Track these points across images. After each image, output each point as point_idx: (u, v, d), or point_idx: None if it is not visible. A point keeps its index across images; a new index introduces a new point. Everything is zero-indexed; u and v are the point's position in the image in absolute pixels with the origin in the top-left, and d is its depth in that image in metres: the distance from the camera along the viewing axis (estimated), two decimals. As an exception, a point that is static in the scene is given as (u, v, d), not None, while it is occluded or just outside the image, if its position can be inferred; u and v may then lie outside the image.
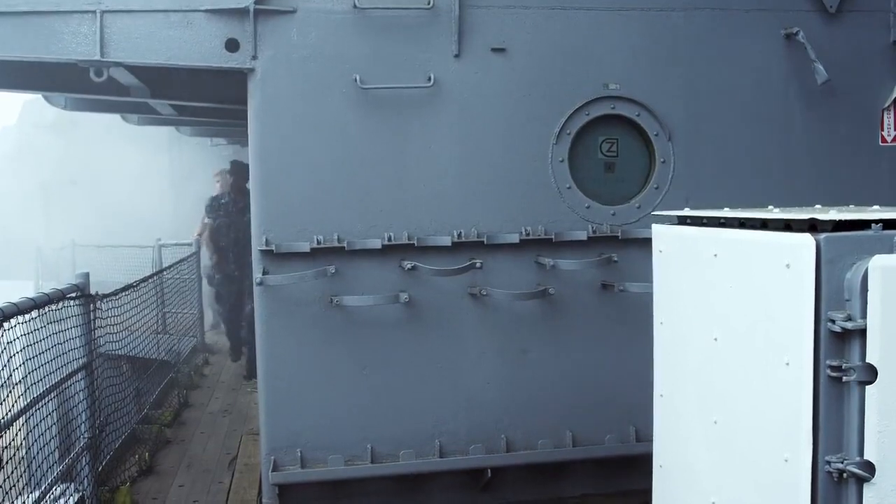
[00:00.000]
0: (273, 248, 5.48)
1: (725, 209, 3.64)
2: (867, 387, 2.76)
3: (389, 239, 5.60)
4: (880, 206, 3.97)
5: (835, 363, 2.79)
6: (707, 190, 5.97)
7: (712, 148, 6.05)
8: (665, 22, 5.94)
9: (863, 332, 2.74)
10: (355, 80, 5.51)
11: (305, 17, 5.50)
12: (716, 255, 3.42)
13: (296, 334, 5.55)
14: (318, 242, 5.52)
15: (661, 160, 5.96)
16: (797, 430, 2.89)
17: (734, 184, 5.99)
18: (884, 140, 6.33)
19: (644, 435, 5.66)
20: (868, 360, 2.74)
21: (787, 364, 2.92)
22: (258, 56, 5.45)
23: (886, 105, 6.30)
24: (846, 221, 2.86)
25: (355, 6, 5.50)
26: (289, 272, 5.48)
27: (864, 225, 2.87)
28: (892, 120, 6.35)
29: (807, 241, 2.82)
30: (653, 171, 5.98)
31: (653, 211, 5.84)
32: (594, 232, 5.84)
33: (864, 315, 2.74)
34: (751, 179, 6.05)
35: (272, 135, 5.48)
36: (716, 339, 3.42)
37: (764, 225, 3.18)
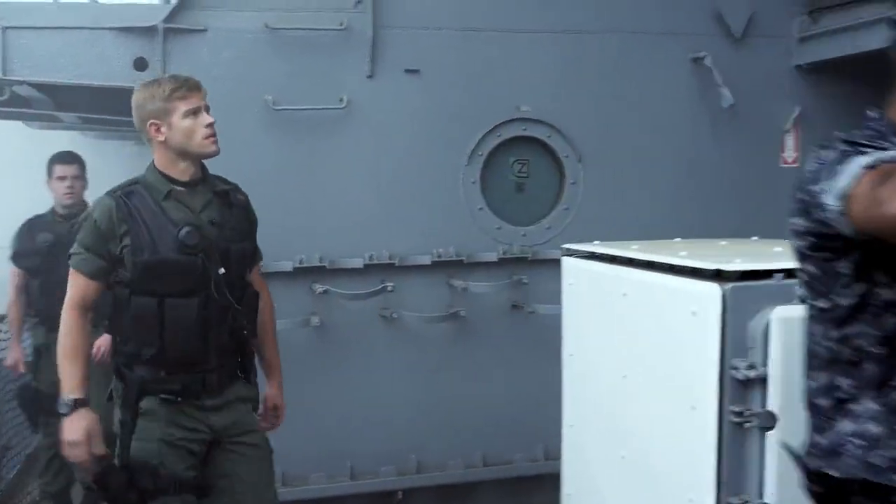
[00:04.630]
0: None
1: (634, 246, 3.71)
2: (767, 432, 2.86)
3: (301, 262, 5.56)
4: (782, 238, 4.09)
5: (737, 409, 2.88)
6: (617, 211, 6.07)
7: (622, 169, 6.14)
8: (577, 44, 6.01)
9: (764, 380, 2.84)
10: (268, 100, 5.46)
11: (216, 36, 5.42)
12: (625, 295, 3.50)
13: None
14: (228, 266, 5.46)
15: (572, 181, 6.04)
16: (701, 472, 2.98)
17: (643, 204, 6.10)
18: (785, 161, 6.51)
19: (552, 453, 5.72)
20: (769, 406, 2.83)
21: (693, 408, 3.01)
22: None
23: (787, 128, 6.49)
24: (752, 271, 2.95)
25: (267, 26, 5.45)
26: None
27: (768, 273, 2.97)
28: (792, 142, 6.54)
29: (713, 290, 2.91)
30: (563, 192, 6.06)
31: (562, 231, 5.94)
32: (504, 253, 5.89)
33: (765, 363, 2.83)
34: (660, 200, 6.16)
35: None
36: (624, 377, 3.49)
37: (672, 268, 3.26)
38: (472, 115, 5.84)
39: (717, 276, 2.98)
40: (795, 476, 2.41)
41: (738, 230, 4.57)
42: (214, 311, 3.63)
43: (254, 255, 3.96)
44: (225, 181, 3.94)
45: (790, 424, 2.80)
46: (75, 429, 3.49)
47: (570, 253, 4.02)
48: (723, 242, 3.89)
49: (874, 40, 5.86)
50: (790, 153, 6.55)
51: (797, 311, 2.81)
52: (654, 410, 3.31)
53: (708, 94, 6.23)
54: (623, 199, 6.11)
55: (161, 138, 3.67)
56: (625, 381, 3.49)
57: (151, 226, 3.58)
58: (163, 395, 3.59)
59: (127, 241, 3.55)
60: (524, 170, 6.06)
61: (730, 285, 2.88)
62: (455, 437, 5.91)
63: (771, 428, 2.83)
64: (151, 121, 3.66)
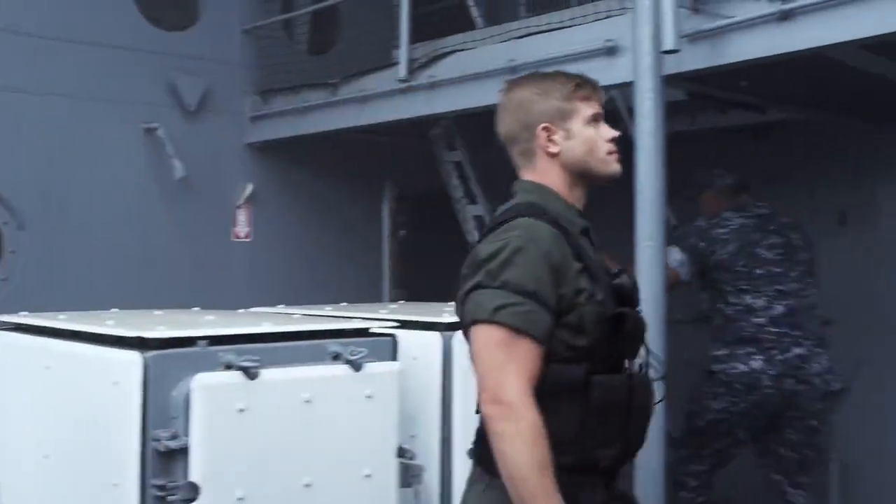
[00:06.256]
0: None
1: (62, 316, 3.50)
2: (190, 504, 2.79)
3: None
4: (217, 307, 4.12)
5: (160, 483, 2.78)
6: (63, 281, 5.74)
7: (70, 239, 5.85)
8: (18, 105, 5.65)
9: (186, 450, 2.77)
10: None
11: None
12: (48, 367, 3.27)
13: None
14: None
15: (11, 250, 5.63)
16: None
17: (92, 275, 5.84)
18: (237, 236, 6.63)
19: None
20: (191, 477, 2.77)
21: (116, 485, 2.86)
22: None
23: (239, 203, 6.62)
24: (176, 338, 2.89)
25: None
26: None
27: (192, 340, 2.92)
28: (244, 217, 6.69)
29: (134, 358, 2.80)
30: (1, 262, 5.62)
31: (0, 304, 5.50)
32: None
33: (187, 433, 2.77)
34: (109, 270, 5.94)
35: None
36: (46, 457, 3.24)
37: (98, 338, 3.10)
38: None
39: (142, 344, 2.88)
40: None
41: (189, 300, 4.52)
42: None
43: None
44: None
45: (213, 494, 2.77)
46: None
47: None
48: (158, 312, 3.81)
49: (320, 123, 6.23)
50: (242, 228, 6.69)
51: (220, 378, 2.83)
52: (80, 491, 3.10)
53: (161, 165, 6.18)
54: (70, 269, 5.81)
55: (554, 149, 2.64)
56: (47, 462, 3.23)
57: (592, 267, 2.51)
58: None
59: (584, 284, 2.45)
60: (-49, 238, 5.55)
61: (151, 353, 2.80)
62: None
63: (193, 500, 2.76)
64: (545, 124, 2.63)
